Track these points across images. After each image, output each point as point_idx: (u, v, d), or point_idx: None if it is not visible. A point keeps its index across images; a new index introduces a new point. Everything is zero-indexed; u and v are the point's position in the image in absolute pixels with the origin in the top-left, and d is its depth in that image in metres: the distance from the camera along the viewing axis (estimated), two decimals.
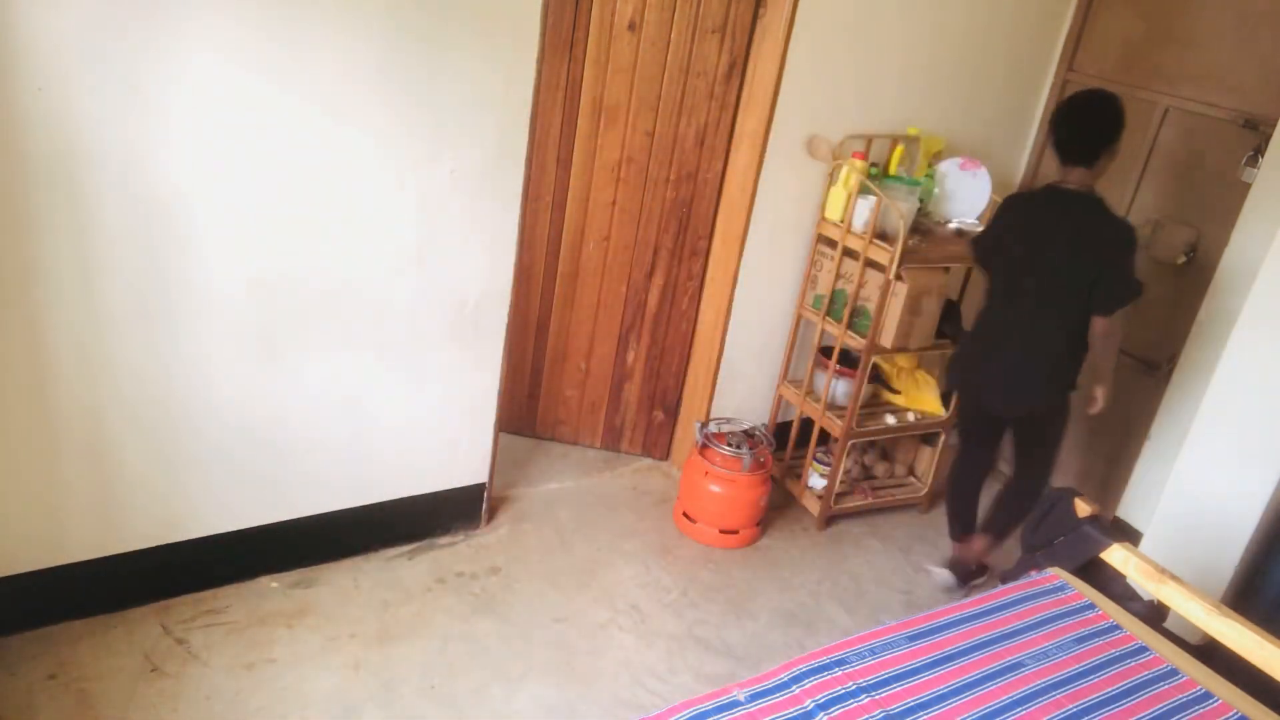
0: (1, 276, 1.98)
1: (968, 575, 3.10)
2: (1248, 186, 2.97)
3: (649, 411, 3.51)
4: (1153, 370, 3.38)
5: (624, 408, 3.50)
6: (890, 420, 3.34)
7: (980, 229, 3.07)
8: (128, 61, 1.94)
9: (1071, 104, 2.61)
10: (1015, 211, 2.76)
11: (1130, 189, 3.42)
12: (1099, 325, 2.57)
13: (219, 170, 2.14)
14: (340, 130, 2.24)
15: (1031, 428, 2.89)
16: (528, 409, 3.48)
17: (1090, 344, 2.62)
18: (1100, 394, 2.76)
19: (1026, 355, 2.70)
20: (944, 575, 3.10)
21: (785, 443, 3.50)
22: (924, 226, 3.18)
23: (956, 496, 3.09)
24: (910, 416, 3.38)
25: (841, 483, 3.36)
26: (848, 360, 3.24)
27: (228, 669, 2.31)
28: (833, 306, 3.24)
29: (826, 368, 3.25)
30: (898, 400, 3.46)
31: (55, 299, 2.05)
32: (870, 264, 3.06)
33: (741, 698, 1.59)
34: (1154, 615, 2.04)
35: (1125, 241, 2.52)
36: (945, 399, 3.42)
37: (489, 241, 2.59)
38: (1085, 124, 2.57)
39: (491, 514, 3.06)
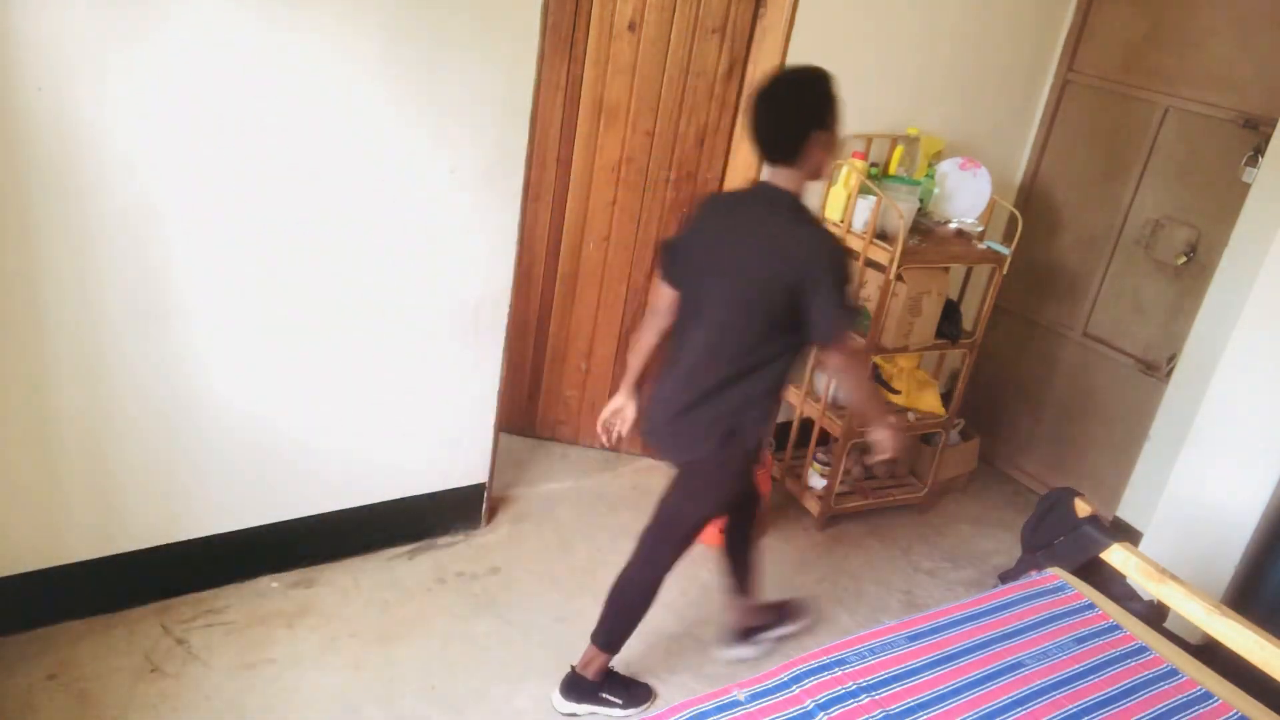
0: (1, 276, 1.98)
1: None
2: (1248, 186, 2.97)
3: None
4: (1153, 370, 3.38)
5: None
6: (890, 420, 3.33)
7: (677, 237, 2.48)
8: (128, 61, 1.94)
9: (763, 87, 1.97)
10: (706, 215, 2.18)
11: (1130, 189, 3.42)
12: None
13: (219, 170, 2.14)
14: (340, 131, 2.24)
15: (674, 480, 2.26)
16: (528, 409, 3.48)
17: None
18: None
19: (679, 389, 2.13)
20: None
21: (785, 443, 3.50)
22: (924, 226, 3.18)
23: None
24: (910, 416, 3.38)
25: (841, 483, 3.36)
26: None
27: (228, 669, 2.30)
28: None
29: None
30: (898, 400, 3.46)
31: (55, 298, 2.05)
32: (870, 264, 3.06)
33: (741, 698, 1.59)
34: (1154, 615, 2.05)
35: (824, 253, 1.97)
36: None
37: (489, 241, 2.59)
38: (779, 110, 1.96)
39: (491, 514, 3.06)
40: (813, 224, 2.03)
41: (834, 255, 1.98)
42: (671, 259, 2.21)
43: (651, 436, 2.24)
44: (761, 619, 2.66)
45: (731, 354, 2.06)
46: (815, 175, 2.03)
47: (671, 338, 2.22)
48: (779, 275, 1.97)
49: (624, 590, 2.31)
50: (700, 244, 2.13)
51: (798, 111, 1.95)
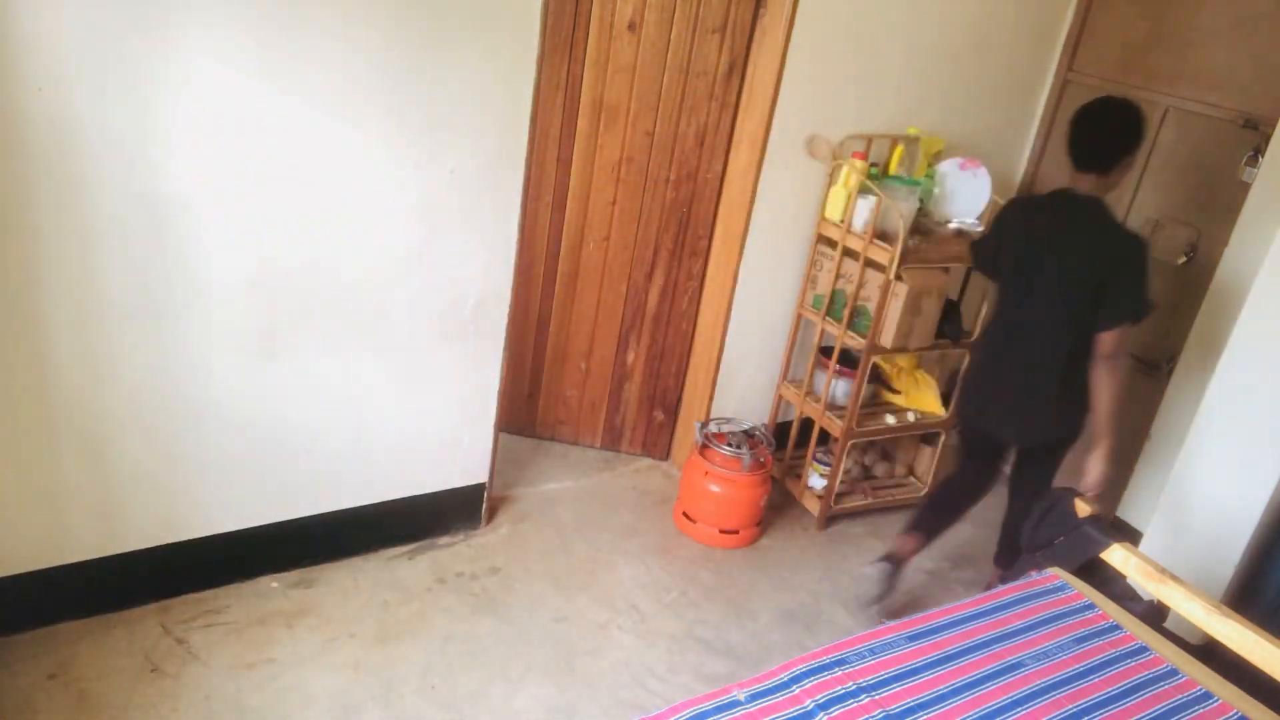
0: (1, 275, 1.98)
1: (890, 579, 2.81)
2: (1248, 186, 2.97)
3: (649, 411, 3.51)
4: (1153, 370, 3.38)
5: (624, 408, 3.50)
6: (890, 420, 3.34)
7: (981, 231, 3.05)
8: (128, 61, 1.94)
9: (1093, 108, 2.41)
10: (1017, 215, 2.63)
11: (1130, 189, 3.42)
12: (1100, 344, 2.40)
13: (219, 170, 2.14)
14: (340, 130, 2.24)
15: (1033, 455, 2.71)
16: (528, 409, 3.48)
17: (1091, 372, 2.44)
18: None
19: (1032, 379, 2.53)
20: (879, 567, 2.83)
21: (785, 443, 3.50)
22: (924, 226, 3.18)
23: (941, 506, 2.91)
24: (910, 416, 3.38)
25: (841, 483, 3.36)
26: (848, 360, 3.24)
27: (228, 669, 2.31)
28: (833, 306, 3.24)
29: (826, 368, 3.25)
30: (898, 400, 3.46)
31: (56, 298, 2.05)
32: (870, 264, 3.06)
33: (741, 698, 1.59)
34: (1154, 615, 2.04)
35: (1135, 252, 2.35)
36: (947, 401, 3.40)
37: (489, 241, 2.59)
38: (1105, 130, 2.38)
39: (491, 514, 3.06)
40: (1126, 228, 2.43)
41: (1145, 256, 2.35)
42: (983, 257, 2.71)
43: (1024, 430, 2.63)
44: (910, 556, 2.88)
45: (1070, 341, 2.44)
46: (1111, 189, 2.44)
47: (998, 330, 2.65)
48: (1100, 269, 2.36)
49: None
50: (1019, 242, 2.54)
51: (1122, 135, 2.37)
